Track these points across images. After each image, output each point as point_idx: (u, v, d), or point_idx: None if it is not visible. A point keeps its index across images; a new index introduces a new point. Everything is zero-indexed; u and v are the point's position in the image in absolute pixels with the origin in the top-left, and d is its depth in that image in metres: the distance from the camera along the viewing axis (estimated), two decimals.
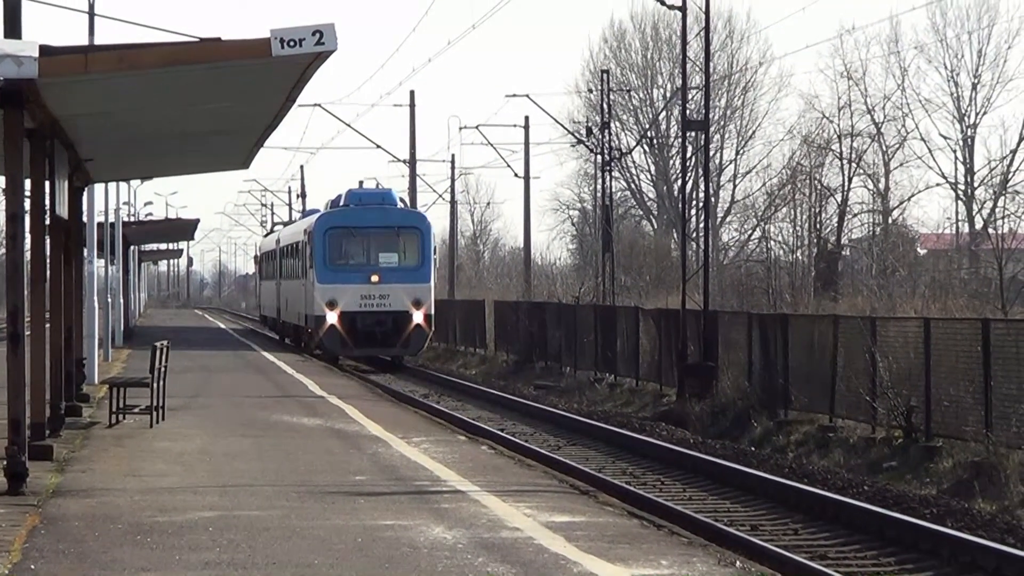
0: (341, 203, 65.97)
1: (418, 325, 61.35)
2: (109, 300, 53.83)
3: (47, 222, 25.37)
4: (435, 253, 66.70)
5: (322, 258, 61.73)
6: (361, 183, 68.10)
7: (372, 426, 30.45)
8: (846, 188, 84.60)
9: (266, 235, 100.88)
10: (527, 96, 79.22)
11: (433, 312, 63.25)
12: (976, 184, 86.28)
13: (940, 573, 20.60)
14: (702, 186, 56.95)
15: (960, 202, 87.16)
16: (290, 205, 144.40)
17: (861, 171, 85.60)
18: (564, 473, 26.00)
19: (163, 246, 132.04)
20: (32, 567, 15.00)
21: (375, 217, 63.08)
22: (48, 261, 26.75)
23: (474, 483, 21.57)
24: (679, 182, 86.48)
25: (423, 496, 20.35)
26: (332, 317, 60.12)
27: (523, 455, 28.12)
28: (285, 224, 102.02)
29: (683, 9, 46.62)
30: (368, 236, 62.80)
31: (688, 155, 56.48)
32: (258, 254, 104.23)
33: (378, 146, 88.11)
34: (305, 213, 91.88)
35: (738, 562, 16.45)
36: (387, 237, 63.12)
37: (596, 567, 15.20)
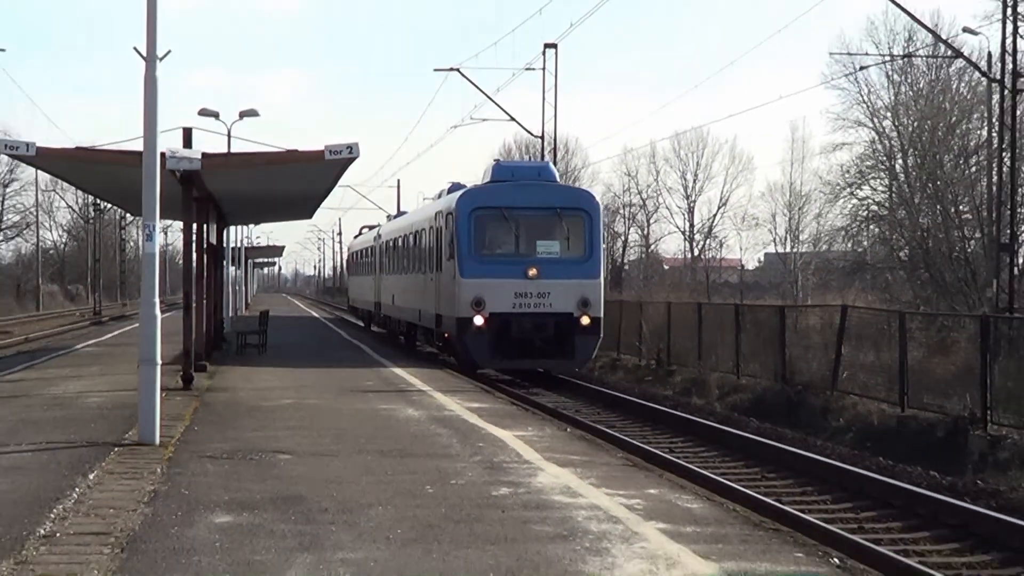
0: (488, 178, 30.67)
1: (586, 330, 28.23)
2: (236, 288, 53.37)
3: (204, 247, 25.26)
4: (604, 242, 33.80)
5: (467, 246, 28.66)
6: (497, 162, 34.13)
7: (373, 353, 30.39)
8: (627, 233, 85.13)
9: (356, 236, 60.75)
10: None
11: (603, 315, 28.89)
12: (695, 232, 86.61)
13: (673, 436, 20.73)
14: None
15: (686, 242, 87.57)
16: (334, 240, 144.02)
17: (635, 224, 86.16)
18: (478, 381, 25.92)
19: (265, 259, 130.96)
20: (196, 428, 14.99)
21: (532, 196, 29.21)
22: (205, 267, 26.59)
23: (430, 387, 21.54)
24: None
25: (403, 393, 20.33)
26: (479, 320, 28.09)
27: (457, 372, 27.91)
28: (371, 228, 54.24)
29: (542, 137, 46.63)
30: (523, 219, 29.07)
31: None
32: (349, 253, 64.54)
33: (380, 208, 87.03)
34: (395, 213, 52.06)
35: (568, 428, 16.56)
36: (546, 221, 29.20)
37: (493, 430, 15.25)
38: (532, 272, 27.15)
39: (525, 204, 27.94)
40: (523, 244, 27.98)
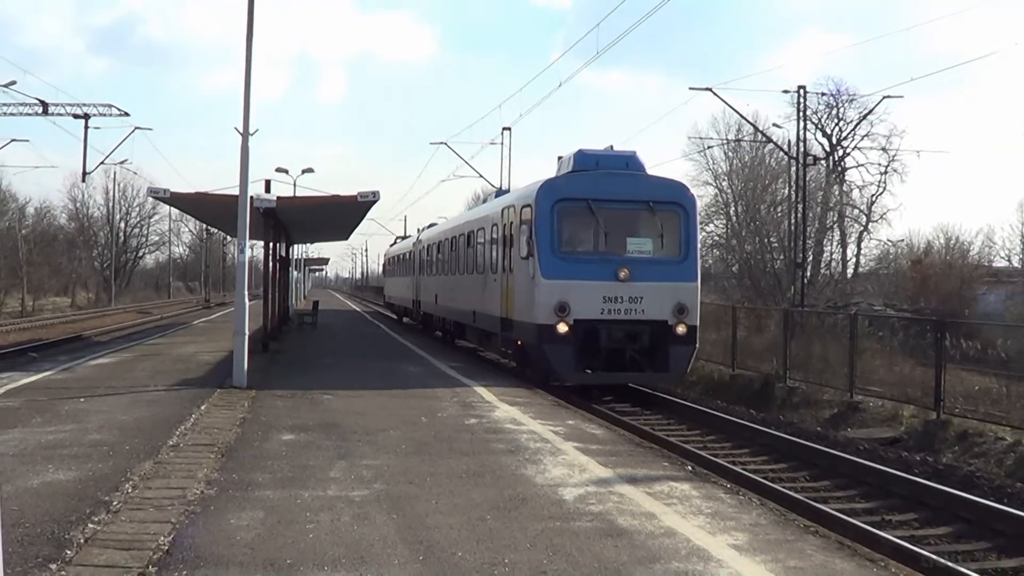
0: (568, 168, 15.12)
1: (681, 340, 13.99)
2: (297, 286, 52.61)
3: (277, 258, 24.91)
4: (700, 241, 15.39)
5: (549, 243, 13.58)
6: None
7: (391, 333, 30.11)
8: None
9: (392, 244, 45.94)
10: None
11: (699, 323, 14.30)
12: None
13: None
14: None
15: None
16: (362, 254, 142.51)
17: None
18: (457, 351, 25.40)
19: (316, 266, 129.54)
20: (272, 370, 14.81)
21: (620, 187, 13.98)
22: (277, 272, 26.23)
23: (427, 354, 21.35)
24: None
25: (408, 358, 20.14)
26: (563, 327, 13.72)
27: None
28: (403, 239, 43.03)
29: (500, 187, 45.70)
30: (610, 214, 14.03)
31: None
32: (386, 258, 47.16)
33: (392, 233, 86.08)
34: (425, 226, 32.94)
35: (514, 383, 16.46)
36: (638, 216, 14.14)
37: (465, 380, 15.13)
38: (623, 273, 15.10)
39: (613, 196, 15.50)
40: (611, 241, 15.51)
